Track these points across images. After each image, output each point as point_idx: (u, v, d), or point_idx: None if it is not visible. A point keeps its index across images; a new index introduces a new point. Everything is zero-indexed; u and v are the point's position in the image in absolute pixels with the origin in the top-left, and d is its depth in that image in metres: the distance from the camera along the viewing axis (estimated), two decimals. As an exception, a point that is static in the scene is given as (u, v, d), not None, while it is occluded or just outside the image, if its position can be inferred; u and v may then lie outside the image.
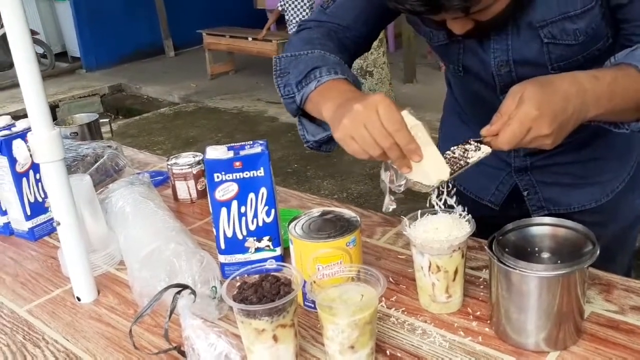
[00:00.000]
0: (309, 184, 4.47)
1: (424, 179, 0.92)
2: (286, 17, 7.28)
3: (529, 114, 0.86)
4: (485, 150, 0.93)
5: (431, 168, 0.92)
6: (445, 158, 0.93)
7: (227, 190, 1.11)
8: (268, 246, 1.14)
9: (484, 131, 0.92)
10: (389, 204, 0.99)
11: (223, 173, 1.11)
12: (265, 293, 0.85)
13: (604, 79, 0.91)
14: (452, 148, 0.96)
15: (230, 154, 1.12)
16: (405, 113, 0.92)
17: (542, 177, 1.27)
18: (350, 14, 1.19)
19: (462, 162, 0.94)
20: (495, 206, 1.33)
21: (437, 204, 0.98)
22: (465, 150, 0.95)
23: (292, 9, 7.15)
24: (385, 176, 0.97)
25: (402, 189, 0.96)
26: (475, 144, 0.94)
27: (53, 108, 7.38)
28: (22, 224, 1.39)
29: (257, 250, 1.14)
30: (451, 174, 0.92)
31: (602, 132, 1.03)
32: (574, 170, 1.26)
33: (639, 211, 1.33)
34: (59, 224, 1.09)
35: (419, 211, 1.02)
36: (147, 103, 7.66)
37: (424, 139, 0.91)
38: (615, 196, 1.26)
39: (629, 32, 1.03)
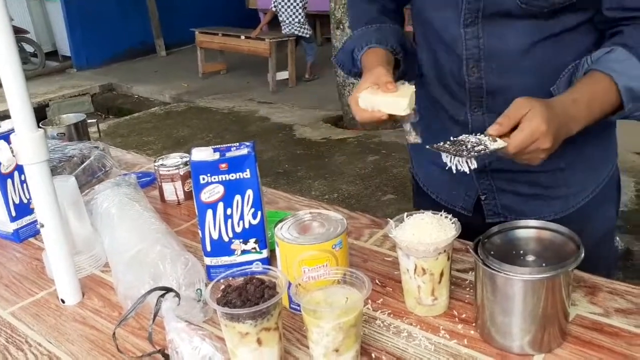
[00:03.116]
0: (300, 185, 4.47)
1: (396, 109, 1.08)
2: (279, 18, 7.29)
3: (540, 126, 0.94)
4: (502, 142, 0.97)
5: (400, 103, 1.07)
6: (463, 141, 0.99)
7: (213, 192, 1.10)
8: (254, 248, 1.14)
9: (492, 130, 0.97)
10: (416, 139, 1.14)
11: (209, 175, 1.10)
12: (249, 296, 0.84)
13: (582, 100, 1.01)
14: (465, 135, 1.00)
15: (217, 156, 1.12)
16: (400, 82, 1.11)
17: (502, 184, 1.26)
18: None
19: (481, 147, 0.96)
20: (468, 212, 1.31)
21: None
22: (480, 139, 0.98)
23: (285, 9, 7.16)
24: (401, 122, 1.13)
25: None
26: (488, 137, 0.98)
27: (43, 107, 7.35)
28: (6, 226, 1.38)
29: (243, 252, 1.13)
30: (475, 152, 0.96)
31: (573, 140, 1.05)
32: (535, 179, 1.23)
33: (612, 224, 1.32)
34: (42, 225, 1.08)
35: (405, 214, 1.02)
36: (137, 103, 7.64)
37: (403, 87, 1.10)
38: (579, 210, 1.24)
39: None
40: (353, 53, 1.30)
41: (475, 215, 1.29)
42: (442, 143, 0.99)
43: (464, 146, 0.97)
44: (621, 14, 1.05)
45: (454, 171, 0.98)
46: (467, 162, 0.96)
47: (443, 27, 1.18)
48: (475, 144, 0.97)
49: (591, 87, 1.02)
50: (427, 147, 0.99)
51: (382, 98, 1.09)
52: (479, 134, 1.00)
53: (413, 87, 1.11)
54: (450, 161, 0.97)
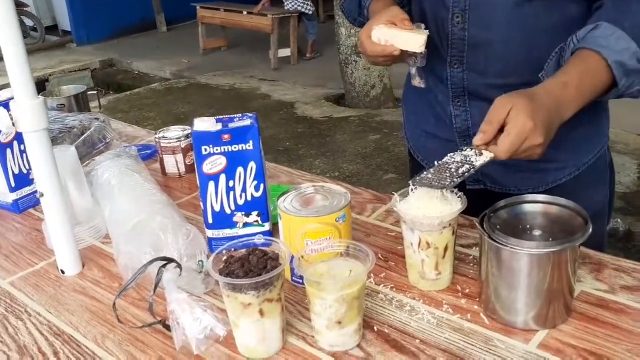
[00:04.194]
0: (301, 163, 4.45)
1: (412, 46, 1.10)
2: (282, -7, 7.21)
3: (525, 124, 0.91)
4: (489, 155, 0.94)
5: (416, 39, 1.10)
6: (447, 164, 0.97)
7: (215, 163, 1.09)
8: (256, 221, 1.12)
9: (476, 140, 0.95)
10: (420, 83, 1.21)
11: (211, 146, 1.08)
12: (252, 267, 0.83)
13: (571, 83, 0.97)
14: (450, 154, 0.98)
15: (219, 126, 1.10)
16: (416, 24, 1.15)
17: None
18: None
19: (467, 166, 0.94)
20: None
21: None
22: (466, 156, 0.96)
23: (289, -16, 7.09)
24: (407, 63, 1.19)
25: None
26: (473, 150, 0.96)
27: (42, 82, 7.29)
28: (6, 196, 1.36)
29: (246, 225, 1.12)
30: (458, 176, 0.93)
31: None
32: None
33: (600, 208, 1.29)
34: (42, 194, 1.07)
35: (410, 187, 1.00)
36: (138, 78, 7.59)
37: (417, 29, 1.13)
38: (560, 187, 1.22)
39: None
40: (361, 0, 1.29)
41: (475, 190, 1.28)
42: (425, 172, 0.96)
43: (447, 172, 0.94)
44: None
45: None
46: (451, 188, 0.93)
47: None
48: (460, 164, 0.95)
49: (580, 67, 0.99)
50: (410, 182, 0.96)
51: (399, 33, 1.10)
52: (464, 148, 0.98)
53: (427, 31, 1.12)
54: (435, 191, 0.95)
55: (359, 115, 5.34)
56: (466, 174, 0.93)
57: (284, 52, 7.32)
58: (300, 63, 7.40)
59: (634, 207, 3.31)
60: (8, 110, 1.13)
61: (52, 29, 9.73)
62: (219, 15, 7.74)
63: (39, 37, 9.13)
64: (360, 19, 1.32)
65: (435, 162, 0.98)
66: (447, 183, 0.92)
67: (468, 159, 0.95)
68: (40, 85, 7.12)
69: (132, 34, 9.25)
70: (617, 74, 0.97)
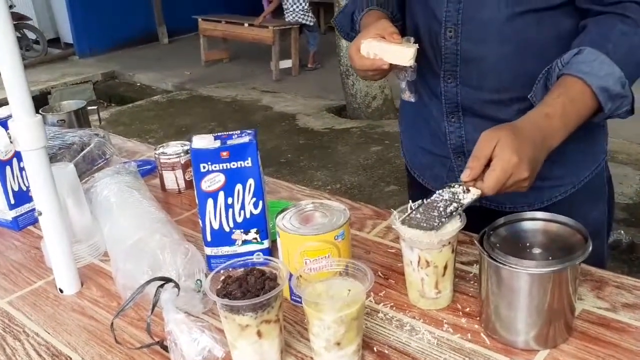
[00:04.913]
0: (302, 175, 4.45)
1: (401, 60, 1.10)
2: (284, 5, 7.25)
3: (510, 160, 0.92)
4: (477, 192, 0.94)
5: (405, 52, 1.10)
6: (435, 202, 0.97)
7: (213, 180, 1.09)
8: (255, 239, 1.12)
9: (464, 176, 0.95)
10: (410, 97, 1.23)
11: (209, 163, 1.08)
12: (249, 288, 0.83)
13: (555, 113, 0.97)
14: (438, 192, 0.98)
15: (217, 144, 1.10)
16: (405, 38, 1.14)
17: None
18: None
19: (455, 204, 0.94)
20: None
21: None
22: (454, 193, 0.96)
23: (290, -2, 7.13)
24: (396, 77, 1.21)
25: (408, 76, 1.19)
26: (461, 186, 0.96)
27: (45, 95, 7.33)
28: (5, 213, 1.36)
29: (244, 242, 1.12)
30: (447, 216, 0.93)
31: None
32: None
33: (599, 225, 1.28)
34: (40, 213, 1.07)
35: (409, 205, 1.00)
36: (140, 90, 7.61)
37: (407, 43, 1.12)
38: (557, 205, 1.21)
39: None
40: (353, 15, 1.31)
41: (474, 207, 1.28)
42: (412, 211, 0.96)
43: (435, 211, 0.94)
44: None
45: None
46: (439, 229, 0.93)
47: None
48: (448, 202, 0.95)
49: (563, 96, 0.99)
50: (395, 214, 0.96)
51: (388, 47, 1.10)
52: (452, 184, 0.98)
53: (417, 45, 1.11)
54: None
55: (360, 127, 5.34)
56: (454, 212, 0.93)
57: (286, 63, 7.34)
58: (301, 74, 7.42)
59: (637, 218, 3.29)
60: (6, 128, 1.14)
61: (55, 41, 9.78)
62: (220, 27, 7.78)
63: (42, 50, 9.17)
64: (352, 33, 1.32)
65: (424, 200, 0.98)
66: (435, 224, 0.92)
67: (456, 197, 0.95)
68: (43, 98, 7.15)
69: (134, 46, 9.29)
70: (602, 100, 0.98)
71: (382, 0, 1.28)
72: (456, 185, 0.97)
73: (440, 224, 0.92)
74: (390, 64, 1.11)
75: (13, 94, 1.01)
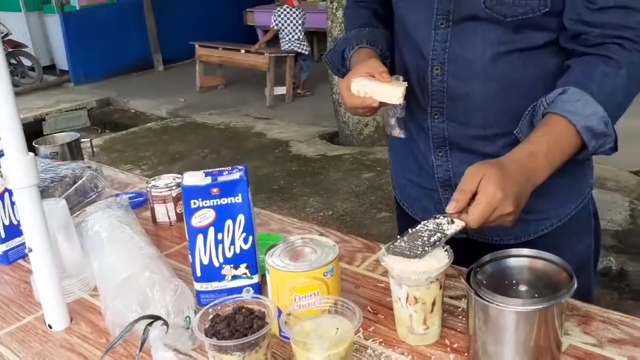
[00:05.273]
0: (295, 201, 4.46)
1: (390, 98, 1.12)
2: (280, 35, 7.35)
3: (495, 195, 0.94)
4: (461, 224, 0.97)
5: (394, 91, 1.12)
6: (420, 232, 0.99)
7: (204, 216, 1.09)
8: (245, 274, 1.12)
9: (449, 209, 0.97)
10: (400, 133, 1.24)
11: (200, 199, 1.09)
12: (237, 327, 0.83)
13: (540, 152, 1.00)
14: (423, 222, 1.00)
15: (208, 180, 1.11)
16: (395, 76, 1.16)
17: None
18: None
19: (439, 234, 0.96)
20: None
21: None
22: (438, 224, 0.99)
23: (286, 27, 7.24)
24: (386, 114, 1.24)
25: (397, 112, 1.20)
26: (446, 218, 0.98)
27: (39, 121, 7.35)
28: (-4, 247, 1.36)
29: (234, 277, 1.12)
30: (430, 245, 0.95)
31: None
32: None
33: (585, 258, 1.30)
34: (30, 250, 1.07)
35: (397, 240, 1.01)
36: (134, 117, 7.64)
37: (396, 81, 1.15)
38: (543, 238, 1.23)
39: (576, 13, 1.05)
40: (344, 52, 1.33)
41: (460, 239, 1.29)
42: (398, 240, 0.98)
43: (419, 240, 0.96)
44: (579, 27, 1.07)
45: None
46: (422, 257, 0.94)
47: (415, 27, 1.20)
48: (432, 232, 0.97)
49: (548, 135, 1.02)
50: (384, 251, 0.97)
51: (378, 85, 1.12)
52: (438, 216, 1.00)
53: (406, 83, 1.14)
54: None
55: (352, 154, 5.37)
56: (437, 242, 0.95)
57: (280, 90, 7.40)
58: (295, 101, 7.48)
59: (626, 245, 3.31)
60: (-2, 164, 1.15)
61: (50, 68, 9.83)
62: (217, 53, 7.86)
63: (37, 76, 9.21)
64: (343, 69, 1.35)
65: (409, 230, 0.99)
66: (419, 252, 0.93)
67: (440, 228, 0.97)
68: (37, 125, 7.18)
69: (129, 73, 9.34)
70: (586, 138, 1.01)
71: (372, 39, 1.31)
72: (441, 217, 0.99)
73: (423, 252, 0.94)
74: (380, 102, 1.13)
75: (5, 131, 1.02)
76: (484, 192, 0.95)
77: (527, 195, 0.99)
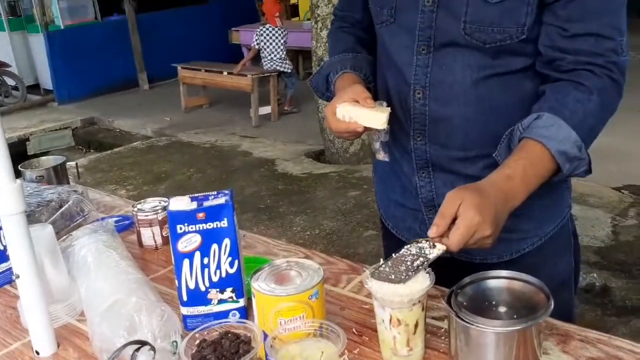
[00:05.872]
0: (281, 220, 4.47)
1: (375, 123, 1.16)
2: (261, 54, 7.39)
3: (473, 219, 0.97)
4: (442, 248, 1.00)
5: (378, 116, 1.15)
6: (403, 257, 1.01)
7: (190, 241, 1.11)
8: (231, 297, 1.14)
9: (431, 233, 1.01)
10: (384, 157, 1.29)
11: (186, 224, 1.11)
12: (224, 352, 0.85)
13: (516, 175, 1.04)
14: (406, 246, 1.03)
15: (194, 205, 1.12)
16: (378, 102, 1.20)
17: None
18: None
19: (422, 259, 0.99)
20: None
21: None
22: (421, 248, 1.02)
23: (268, 46, 7.29)
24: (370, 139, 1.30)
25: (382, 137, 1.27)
26: (428, 242, 1.02)
27: (23, 141, 7.30)
28: (-18, 273, 1.36)
29: (220, 302, 1.13)
30: (414, 269, 0.98)
31: None
32: None
33: (566, 276, 1.33)
34: (18, 276, 1.08)
35: (380, 263, 1.03)
36: (119, 137, 7.62)
37: (379, 107, 1.18)
38: (524, 257, 1.26)
39: (549, 40, 1.10)
40: (328, 76, 1.36)
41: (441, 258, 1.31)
42: (382, 265, 1.00)
43: (403, 265, 0.99)
44: (553, 53, 1.11)
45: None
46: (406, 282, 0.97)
47: (398, 52, 1.24)
48: (415, 257, 1.00)
49: (524, 159, 1.06)
50: (369, 274, 0.99)
51: (362, 111, 1.15)
52: (420, 240, 1.03)
53: (389, 108, 1.17)
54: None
55: (338, 172, 5.40)
56: (420, 267, 0.98)
57: (265, 109, 7.43)
58: (280, 120, 7.51)
59: (609, 261, 3.36)
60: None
61: (34, 87, 9.80)
62: (200, 75, 7.88)
63: (21, 96, 9.17)
64: (328, 93, 1.38)
65: (393, 255, 1.02)
66: (403, 277, 0.96)
67: (423, 252, 1.00)
68: (21, 145, 7.13)
69: (114, 92, 9.33)
70: (560, 162, 1.05)
71: (356, 64, 1.34)
72: (423, 241, 1.03)
73: (407, 277, 0.96)
74: (365, 127, 1.16)
75: (-7, 159, 1.04)
76: (464, 216, 0.98)
77: (504, 218, 1.03)
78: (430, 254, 1.00)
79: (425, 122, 1.22)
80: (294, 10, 10.95)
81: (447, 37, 1.15)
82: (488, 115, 1.18)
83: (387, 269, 0.99)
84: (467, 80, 1.16)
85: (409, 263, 0.99)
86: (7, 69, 9.11)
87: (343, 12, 1.46)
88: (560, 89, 1.10)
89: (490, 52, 1.13)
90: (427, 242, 1.02)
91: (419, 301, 0.98)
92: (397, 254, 1.02)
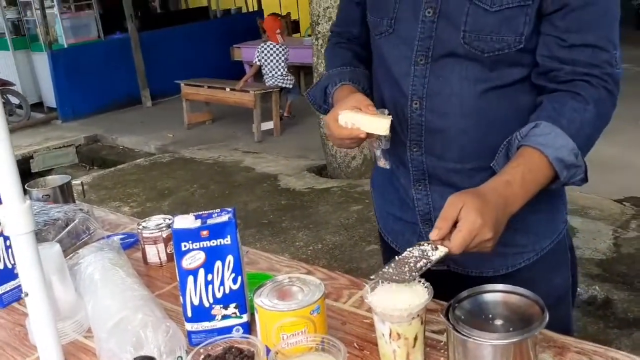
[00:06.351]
0: (284, 235, 4.49)
1: (378, 129, 1.18)
2: (263, 71, 7.47)
3: (475, 222, 1.01)
4: (444, 250, 1.04)
5: (381, 122, 1.18)
6: (406, 258, 1.05)
7: (194, 258, 1.14)
8: (235, 313, 1.16)
9: (433, 235, 1.04)
10: (385, 164, 1.30)
11: (190, 242, 1.13)
12: (228, 367, 0.87)
13: (515, 181, 1.08)
14: (409, 249, 1.06)
15: (198, 223, 1.15)
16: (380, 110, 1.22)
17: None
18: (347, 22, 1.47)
19: (425, 260, 1.03)
20: None
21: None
22: (423, 250, 1.05)
23: (269, 63, 7.37)
24: (371, 147, 1.30)
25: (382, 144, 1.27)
26: (430, 244, 1.05)
27: (27, 159, 7.35)
28: (-10, 291, 1.39)
29: (224, 317, 1.16)
30: (417, 270, 1.01)
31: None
32: None
33: (563, 291, 1.34)
34: (27, 294, 1.10)
35: (384, 267, 1.05)
36: (122, 153, 7.67)
37: (382, 114, 1.21)
38: (520, 271, 1.28)
39: (547, 50, 1.13)
40: (326, 89, 1.38)
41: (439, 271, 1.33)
42: (387, 267, 1.04)
43: (406, 266, 1.03)
44: (551, 64, 1.14)
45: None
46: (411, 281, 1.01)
47: (395, 63, 1.26)
48: (418, 259, 1.04)
49: (522, 166, 1.09)
50: (372, 277, 1.03)
51: (365, 117, 1.18)
52: (422, 243, 1.07)
53: (390, 116, 1.20)
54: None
55: (340, 186, 5.42)
56: (424, 268, 1.01)
57: (267, 125, 7.49)
58: (283, 135, 7.56)
59: (611, 273, 3.37)
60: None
61: (38, 105, 9.88)
62: (202, 92, 7.95)
63: (25, 114, 9.25)
64: (325, 106, 1.41)
65: (396, 257, 1.05)
66: (407, 277, 0.99)
67: (425, 254, 1.04)
68: (25, 163, 7.18)
69: (117, 109, 9.40)
70: (558, 169, 1.08)
71: (354, 77, 1.37)
72: (425, 244, 1.06)
73: (411, 277, 1.00)
74: (367, 133, 1.19)
75: (4, 181, 1.07)
76: (465, 219, 1.01)
77: (504, 223, 1.06)
78: (432, 255, 1.03)
79: (422, 132, 1.24)
80: (295, 27, 11.07)
81: (446, 47, 1.18)
82: (484, 127, 1.20)
83: (390, 271, 1.02)
84: (464, 92, 1.19)
85: (412, 264, 1.02)
86: (11, 87, 9.20)
87: (340, 29, 1.49)
88: (557, 98, 1.13)
89: (488, 63, 1.16)
90: (430, 245, 1.05)
91: (418, 315, 1.00)
92: (400, 257, 1.05)
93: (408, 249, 1.06)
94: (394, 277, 1.00)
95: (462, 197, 1.04)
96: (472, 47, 1.15)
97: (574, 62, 1.12)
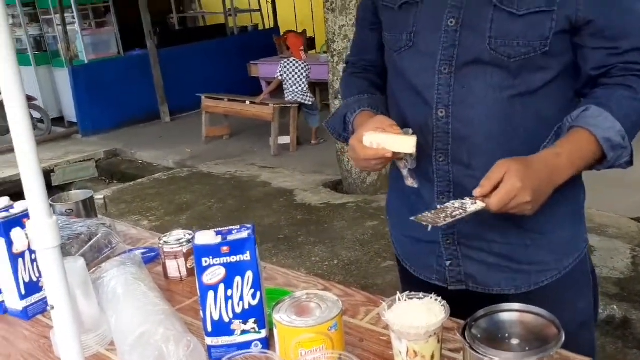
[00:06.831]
0: (300, 250, 4.50)
1: (404, 148, 1.21)
2: (284, 86, 7.54)
3: (515, 184, 1.08)
4: (481, 204, 1.11)
5: (407, 141, 1.21)
6: (446, 208, 1.14)
7: (214, 274, 1.16)
8: (254, 328, 1.18)
9: (476, 192, 1.11)
10: (413, 183, 1.33)
11: (211, 257, 1.16)
12: (248, 381, 0.89)
13: (564, 153, 1.15)
14: (451, 201, 1.14)
15: (219, 239, 1.18)
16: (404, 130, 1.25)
17: (467, 251, 1.32)
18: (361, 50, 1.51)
19: (460, 211, 1.10)
20: (443, 283, 1.36)
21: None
22: (463, 203, 1.12)
23: (291, 78, 7.44)
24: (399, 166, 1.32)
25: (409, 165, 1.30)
26: (471, 200, 1.12)
27: (48, 173, 7.47)
28: (16, 303, 1.43)
29: (243, 332, 1.18)
30: (452, 217, 1.09)
31: (539, 221, 1.21)
32: (499, 250, 1.29)
33: (587, 316, 1.34)
34: (52, 307, 1.13)
35: (397, 296, 1.07)
36: (141, 168, 7.76)
37: (405, 134, 1.24)
38: (542, 290, 1.29)
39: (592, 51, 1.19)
40: (345, 117, 1.41)
41: (458, 291, 1.34)
42: (426, 212, 1.12)
43: (443, 213, 1.10)
44: (604, 70, 1.19)
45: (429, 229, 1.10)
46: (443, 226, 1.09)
47: (416, 75, 1.28)
48: (455, 209, 1.11)
49: (572, 142, 1.15)
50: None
51: (390, 137, 1.21)
52: (465, 198, 1.13)
53: (415, 135, 1.22)
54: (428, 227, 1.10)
55: (356, 202, 5.44)
56: (458, 217, 1.09)
57: (284, 139, 7.55)
58: (299, 150, 7.61)
59: (629, 293, 3.33)
60: (21, 225, 1.23)
61: (59, 120, 10.05)
62: (222, 105, 8.06)
63: (46, 129, 9.41)
64: (345, 134, 1.43)
65: (438, 206, 1.15)
66: (439, 221, 1.07)
67: (463, 206, 1.11)
68: (46, 176, 7.30)
69: (136, 124, 9.53)
70: (605, 148, 1.13)
71: (372, 103, 1.40)
72: (467, 198, 1.13)
73: (443, 221, 1.08)
74: (393, 153, 1.21)
75: (32, 197, 1.10)
76: (506, 182, 1.09)
77: (548, 192, 1.13)
78: (469, 208, 1.09)
79: (448, 140, 1.25)
80: (310, 43, 11.15)
81: (471, 54, 1.20)
82: (509, 134, 1.22)
83: (429, 215, 1.10)
84: (489, 99, 1.21)
85: (449, 212, 1.10)
86: (33, 102, 9.37)
87: (356, 58, 1.52)
88: (607, 88, 1.19)
89: (513, 69, 1.19)
90: (470, 200, 1.11)
91: (435, 333, 1.02)
92: (441, 206, 1.13)
93: (451, 201, 1.14)
94: (428, 219, 1.07)
95: (508, 162, 1.11)
96: (498, 53, 1.18)
97: (627, 62, 1.18)
